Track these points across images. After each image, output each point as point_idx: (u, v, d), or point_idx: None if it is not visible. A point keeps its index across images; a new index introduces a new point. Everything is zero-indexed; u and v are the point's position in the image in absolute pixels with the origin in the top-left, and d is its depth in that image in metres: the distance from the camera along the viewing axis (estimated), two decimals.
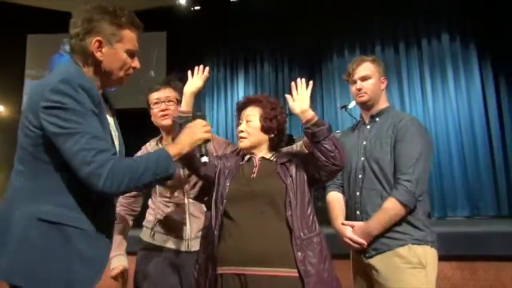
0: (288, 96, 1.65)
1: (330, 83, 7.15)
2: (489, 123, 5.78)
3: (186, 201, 1.91)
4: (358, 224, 1.74)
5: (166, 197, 1.92)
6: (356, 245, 1.72)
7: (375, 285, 1.74)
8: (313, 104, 6.85)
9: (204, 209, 1.94)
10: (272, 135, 1.73)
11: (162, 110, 1.92)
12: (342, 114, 6.50)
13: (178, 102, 1.89)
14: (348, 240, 1.74)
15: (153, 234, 1.90)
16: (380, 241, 1.70)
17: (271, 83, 7.55)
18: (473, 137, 5.81)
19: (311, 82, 1.66)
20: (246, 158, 1.73)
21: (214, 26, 7.72)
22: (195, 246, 1.83)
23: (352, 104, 6.01)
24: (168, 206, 1.91)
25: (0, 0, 7.11)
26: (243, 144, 1.72)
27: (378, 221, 1.68)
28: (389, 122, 1.82)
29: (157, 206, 1.92)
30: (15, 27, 7.31)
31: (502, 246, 2.07)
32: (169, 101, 1.95)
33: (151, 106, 1.92)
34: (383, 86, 1.91)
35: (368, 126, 1.89)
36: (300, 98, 1.63)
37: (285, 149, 1.83)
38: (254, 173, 1.66)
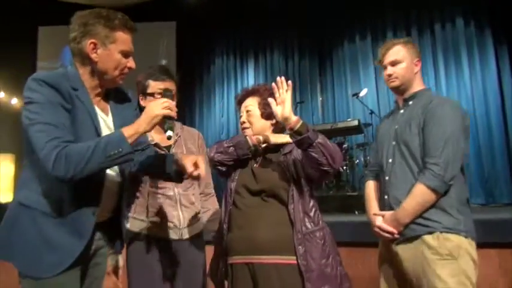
0: (270, 100, 1.54)
1: (341, 70, 7.07)
2: (505, 110, 5.66)
3: (176, 191, 1.95)
4: (388, 213, 1.69)
5: (156, 187, 1.93)
6: (386, 234, 1.68)
7: (400, 274, 1.70)
8: (324, 92, 6.79)
9: (193, 199, 2.01)
10: (274, 120, 1.71)
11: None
12: (354, 102, 6.44)
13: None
14: (377, 229, 1.72)
15: (145, 224, 1.90)
16: (408, 226, 1.64)
17: (282, 71, 7.48)
18: (488, 124, 5.70)
19: (290, 82, 1.53)
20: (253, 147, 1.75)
21: (223, 14, 7.67)
22: (186, 234, 1.92)
23: (364, 92, 5.95)
24: (159, 197, 1.92)
25: None
26: (247, 133, 1.73)
27: (406, 208, 1.62)
28: (421, 104, 1.75)
29: (147, 197, 1.92)
30: (26, 19, 7.35)
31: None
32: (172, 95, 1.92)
33: (156, 95, 1.90)
34: (416, 68, 1.82)
35: (401, 111, 1.84)
36: (281, 101, 1.51)
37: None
38: (257, 162, 1.69)
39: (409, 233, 1.63)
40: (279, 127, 1.73)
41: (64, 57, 8.04)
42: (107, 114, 1.51)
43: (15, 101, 7.75)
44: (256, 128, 1.72)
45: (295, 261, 1.49)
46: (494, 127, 5.65)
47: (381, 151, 1.83)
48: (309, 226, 1.52)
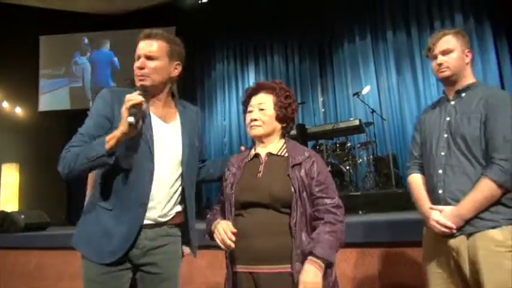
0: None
1: (342, 70, 7.08)
2: None
3: None
4: (447, 207, 1.62)
5: None
6: (444, 229, 1.60)
7: (456, 269, 1.63)
8: (325, 92, 6.77)
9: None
10: (285, 124, 1.68)
11: None
12: (355, 102, 6.44)
13: None
14: (434, 223, 1.63)
15: None
16: (469, 222, 1.58)
17: (282, 74, 7.51)
18: None
19: None
20: (251, 155, 1.69)
21: (222, 18, 7.70)
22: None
23: (365, 91, 5.95)
24: None
25: (11, 3, 7.20)
26: (257, 131, 1.64)
27: (471, 204, 1.56)
28: (479, 96, 1.68)
29: None
30: (28, 29, 7.41)
31: None
32: None
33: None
34: (468, 59, 1.76)
35: (452, 102, 1.76)
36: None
37: (296, 145, 1.71)
38: (260, 172, 1.61)
39: (470, 228, 1.58)
40: (287, 130, 1.71)
41: (74, 65, 8.11)
42: (167, 121, 1.68)
43: (18, 110, 7.79)
44: (268, 128, 1.65)
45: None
46: None
47: (429, 143, 1.77)
48: (308, 244, 1.49)
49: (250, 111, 1.67)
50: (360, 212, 3.93)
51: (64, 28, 7.91)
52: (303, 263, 1.46)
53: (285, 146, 1.67)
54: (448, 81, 1.77)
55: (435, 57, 1.77)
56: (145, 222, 1.57)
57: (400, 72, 6.48)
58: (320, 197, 1.54)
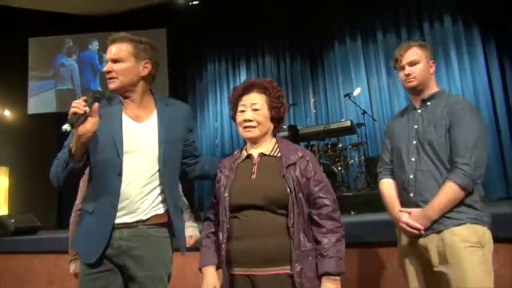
0: None
1: (333, 71, 7.12)
2: (495, 105, 5.72)
3: None
4: (415, 210, 1.73)
5: None
6: (413, 230, 1.71)
7: (427, 267, 1.72)
8: (316, 94, 6.81)
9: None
10: (277, 124, 1.68)
11: None
12: (346, 103, 6.49)
13: None
14: (404, 225, 1.74)
15: None
16: (437, 221, 1.69)
17: (274, 75, 7.52)
18: None
19: None
20: (243, 156, 1.66)
21: (213, 19, 7.70)
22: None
23: (356, 92, 5.99)
24: None
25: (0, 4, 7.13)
26: (252, 134, 1.61)
27: (437, 206, 1.67)
28: (443, 104, 1.80)
29: None
30: (16, 31, 7.33)
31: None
32: None
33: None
34: (432, 69, 1.88)
35: (419, 111, 1.87)
36: None
37: (289, 144, 1.69)
38: (254, 173, 1.59)
39: (438, 227, 1.68)
40: (278, 130, 1.71)
41: (55, 66, 8.04)
42: (139, 121, 1.70)
43: (7, 113, 7.70)
44: (263, 129, 1.62)
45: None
46: (486, 122, 5.67)
47: (399, 150, 1.87)
48: (307, 244, 1.50)
49: (243, 111, 1.63)
50: (352, 213, 3.96)
51: (53, 30, 7.85)
52: (302, 264, 1.47)
53: (277, 145, 1.65)
54: (415, 91, 1.87)
55: (403, 68, 1.88)
56: (119, 221, 1.60)
57: (390, 73, 6.53)
58: (319, 196, 1.55)
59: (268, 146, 1.66)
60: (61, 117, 7.62)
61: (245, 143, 1.71)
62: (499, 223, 1.86)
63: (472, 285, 1.57)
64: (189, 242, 2.22)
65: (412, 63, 1.85)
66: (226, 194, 1.58)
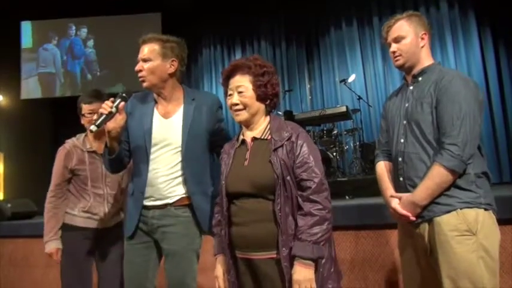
0: None
1: (328, 56, 7.10)
2: (489, 91, 5.76)
3: (105, 191, 2.36)
4: (405, 195, 1.63)
5: (91, 186, 2.34)
6: (402, 217, 1.62)
7: (420, 256, 1.65)
8: (312, 79, 6.76)
9: (118, 197, 2.42)
10: (268, 101, 1.62)
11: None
12: (342, 89, 6.48)
13: None
14: (392, 211, 1.67)
15: (77, 218, 2.33)
16: (427, 208, 1.58)
17: (269, 59, 7.48)
18: None
19: None
20: (240, 140, 1.66)
21: (209, 3, 7.61)
22: (110, 223, 2.39)
23: (352, 78, 5.99)
24: (90, 195, 2.34)
25: None
26: (241, 117, 1.61)
27: (424, 191, 1.56)
28: (432, 80, 1.65)
29: (82, 195, 2.34)
30: (8, 14, 7.21)
31: (503, 210, 2.07)
32: None
33: (86, 115, 2.34)
34: (423, 42, 1.71)
35: (411, 87, 1.73)
36: None
37: (281, 123, 1.64)
38: (247, 159, 1.59)
39: (428, 214, 1.59)
40: (271, 107, 1.65)
41: (40, 53, 7.93)
42: (167, 117, 1.92)
43: (0, 98, 7.63)
44: (252, 111, 1.60)
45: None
46: (479, 93, 5.72)
47: (392, 131, 1.77)
48: (295, 227, 1.48)
49: (230, 95, 1.62)
50: (347, 197, 4.00)
51: (46, 13, 7.73)
52: (289, 248, 1.46)
53: (268, 126, 1.62)
54: (404, 69, 1.76)
55: (390, 45, 1.76)
56: (149, 203, 1.87)
57: (386, 59, 6.52)
58: (302, 179, 1.50)
59: (260, 127, 1.64)
60: (57, 102, 7.59)
61: (241, 127, 1.71)
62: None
63: (464, 275, 1.49)
64: None
65: (397, 40, 1.72)
66: (223, 182, 1.61)
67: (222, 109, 2.05)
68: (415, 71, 1.73)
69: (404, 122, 1.71)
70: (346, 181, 4.48)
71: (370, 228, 2.56)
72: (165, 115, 1.92)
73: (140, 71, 1.86)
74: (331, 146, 5.41)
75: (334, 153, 5.30)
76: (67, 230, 2.33)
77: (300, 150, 1.53)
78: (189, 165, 1.87)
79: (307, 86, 6.85)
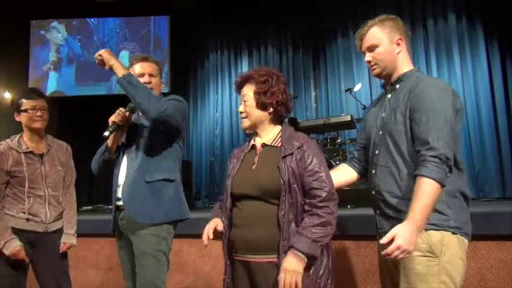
0: None
1: (335, 64, 7.10)
2: (495, 105, 5.73)
3: (46, 192, 2.33)
4: (399, 229, 1.37)
5: (30, 188, 2.29)
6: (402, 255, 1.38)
7: (388, 271, 1.62)
8: (317, 87, 6.78)
9: (60, 199, 2.41)
10: (271, 109, 1.64)
11: (40, 116, 2.36)
12: (347, 97, 6.48)
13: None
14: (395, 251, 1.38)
15: (16, 219, 2.26)
16: (391, 222, 1.48)
17: (276, 66, 7.49)
18: (479, 119, 5.77)
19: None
20: (250, 145, 1.70)
21: (217, 9, 7.65)
22: (53, 228, 2.35)
23: (358, 87, 5.97)
24: (30, 197, 2.29)
25: None
26: (244, 124, 1.68)
27: (423, 211, 1.37)
28: (407, 88, 1.55)
29: (20, 197, 2.28)
30: (18, 13, 7.27)
31: (506, 226, 2.06)
32: (44, 109, 2.38)
33: (28, 111, 2.32)
34: (398, 48, 1.61)
35: (388, 96, 1.64)
36: None
37: (292, 133, 1.66)
38: (255, 163, 1.62)
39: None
40: (277, 116, 1.66)
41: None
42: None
43: (7, 95, 7.67)
44: (252, 118, 1.65)
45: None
46: (485, 122, 5.72)
47: (369, 142, 1.68)
48: (293, 236, 1.49)
49: (241, 104, 1.71)
50: (349, 206, 3.98)
51: (55, 12, 7.80)
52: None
53: (279, 134, 1.66)
54: (382, 77, 1.67)
55: (364, 54, 1.68)
56: (120, 204, 1.96)
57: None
58: (313, 187, 1.52)
59: (270, 135, 1.67)
60: (63, 101, 7.62)
61: (253, 133, 1.75)
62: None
63: None
64: (62, 248, 2.38)
65: (370, 49, 1.63)
66: (229, 183, 1.64)
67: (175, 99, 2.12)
68: (393, 78, 1.64)
69: (380, 132, 1.62)
70: (348, 190, 4.45)
71: (370, 238, 2.55)
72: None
73: (150, 82, 2.05)
74: (335, 155, 5.39)
75: (338, 162, 5.27)
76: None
77: (311, 159, 1.56)
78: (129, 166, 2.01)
79: (313, 94, 6.84)
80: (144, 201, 1.90)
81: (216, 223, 1.63)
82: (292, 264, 1.43)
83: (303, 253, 1.44)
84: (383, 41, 1.62)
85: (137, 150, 1.99)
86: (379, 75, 1.67)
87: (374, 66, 1.65)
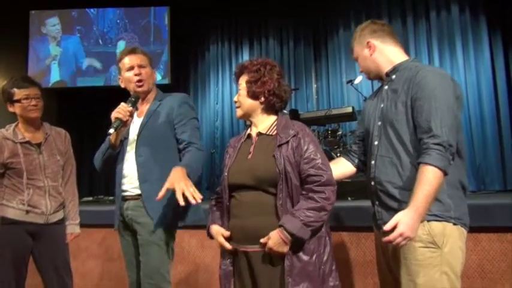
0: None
1: (336, 56, 7.06)
2: (497, 98, 5.70)
3: (46, 183, 2.29)
4: (402, 217, 1.38)
5: (29, 179, 2.25)
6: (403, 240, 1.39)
7: (387, 262, 1.61)
8: (318, 79, 6.76)
9: (60, 190, 2.38)
10: (262, 98, 1.64)
11: (34, 105, 2.29)
12: (348, 89, 6.45)
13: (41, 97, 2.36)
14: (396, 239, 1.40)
15: (16, 211, 2.23)
16: (391, 213, 1.46)
17: (277, 58, 7.46)
18: (480, 112, 5.75)
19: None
20: (246, 134, 1.71)
21: (218, 0, 7.59)
22: (53, 219, 2.33)
23: (359, 79, 5.94)
24: (30, 188, 2.25)
25: None
26: (237, 113, 1.72)
27: (425, 199, 1.37)
28: (405, 77, 1.57)
29: (19, 188, 2.24)
30: (18, 3, 7.22)
31: (506, 218, 2.06)
32: (37, 98, 2.31)
33: (22, 100, 2.24)
34: (370, 50, 1.69)
35: (386, 87, 1.67)
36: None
37: (288, 122, 1.66)
38: (250, 153, 1.62)
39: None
40: (270, 105, 1.65)
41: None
42: (140, 116, 2.08)
43: None
44: (245, 108, 1.67)
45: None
46: (487, 115, 5.70)
47: (368, 133, 1.69)
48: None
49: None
50: (349, 198, 3.98)
51: (55, 3, 7.75)
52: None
53: (275, 123, 1.66)
54: (373, 79, 1.77)
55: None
56: (126, 194, 1.98)
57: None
58: (310, 174, 1.52)
59: (265, 124, 1.67)
60: (63, 92, 7.60)
61: (250, 123, 1.74)
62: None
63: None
64: (69, 238, 2.41)
65: (356, 59, 1.78)
66: (226, 174, 1.64)
67: (188, 104, 2.10)
68: (387, 70, 1.68)
69: (379, 123, 1.63)
70: (348, 182, 4.45)
71: (371, 230, 2.55)
72: (139, 115, 2.09)
73: (139, 74, 2.02)
74: (335, 147, 5.38)
75: (338, 154, 5.27)
76: (5, 223, 2.23)
77: (307, 147, 1.55)
78: (140, 157, 1.98)
79: (314, 86, 6.81)
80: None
81: (221, 233, 1.62)
82: (277, 243, 1.45)
83: (290, 234, 1.44)
84: (358, 52, 1.75)
85: (143, 143, 1.98)
86: (370, 79, 1.79)
87: (364, 73, 1.78)
